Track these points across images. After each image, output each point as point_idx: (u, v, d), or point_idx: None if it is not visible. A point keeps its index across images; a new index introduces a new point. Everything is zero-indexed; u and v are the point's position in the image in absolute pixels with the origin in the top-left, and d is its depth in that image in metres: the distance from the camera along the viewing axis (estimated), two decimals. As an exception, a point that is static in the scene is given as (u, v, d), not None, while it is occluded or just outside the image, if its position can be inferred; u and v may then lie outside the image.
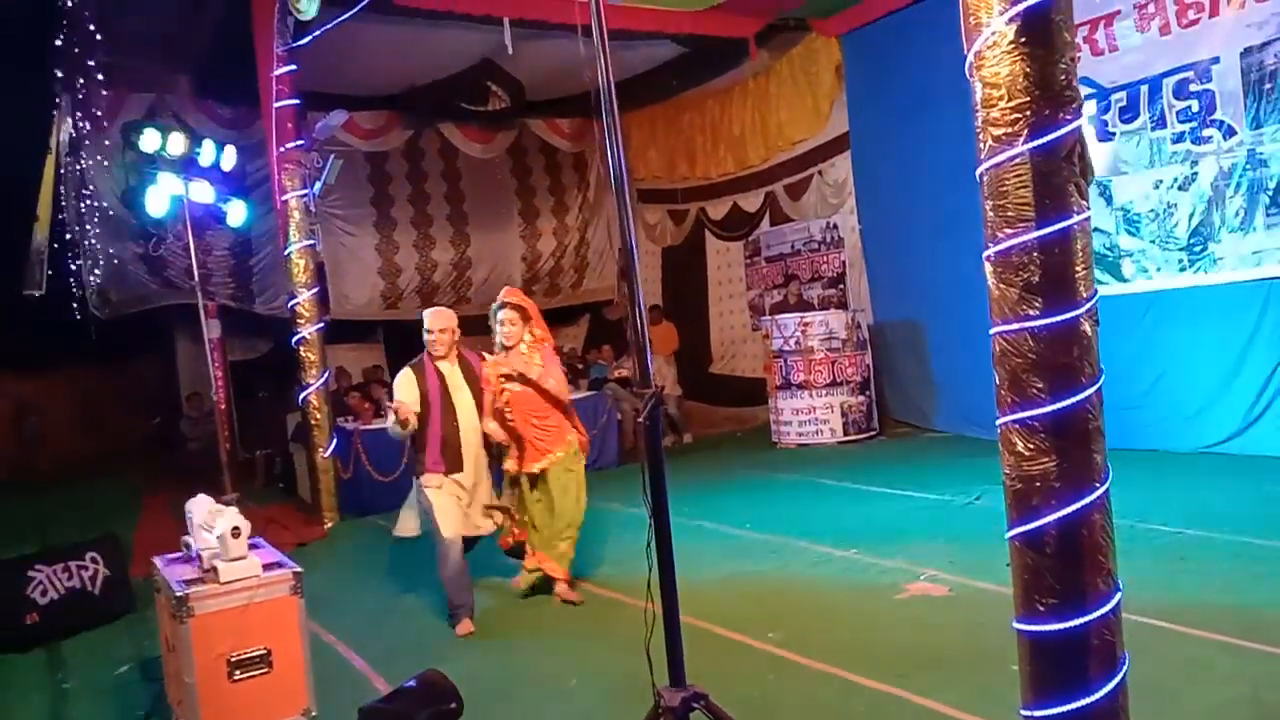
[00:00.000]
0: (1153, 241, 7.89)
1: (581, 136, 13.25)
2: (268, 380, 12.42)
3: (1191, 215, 7.60)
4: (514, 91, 11.35)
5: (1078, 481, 2.31)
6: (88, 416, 14.56)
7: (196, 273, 8.21)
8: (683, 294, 13.53)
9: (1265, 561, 4.87)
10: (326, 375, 8.82)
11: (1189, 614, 4.20)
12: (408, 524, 6.76)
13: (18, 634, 5.66)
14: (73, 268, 11.13)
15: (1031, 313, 2.29)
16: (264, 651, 3.86)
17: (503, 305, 5.37)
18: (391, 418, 5.19)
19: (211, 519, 4.04)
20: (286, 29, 8.31)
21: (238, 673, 3.80)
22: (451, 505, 5.30)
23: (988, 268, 2.37)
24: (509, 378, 5.31)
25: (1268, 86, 7.01)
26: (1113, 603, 2.34)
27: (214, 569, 3.89)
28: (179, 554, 4.32)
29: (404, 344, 13.25)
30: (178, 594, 3.77)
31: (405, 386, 5.30)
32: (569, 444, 5.46)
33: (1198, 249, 7.60)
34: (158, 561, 4.29)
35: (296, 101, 8.62)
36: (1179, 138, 7.60)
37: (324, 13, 7.75)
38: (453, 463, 5.29)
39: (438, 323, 5.41)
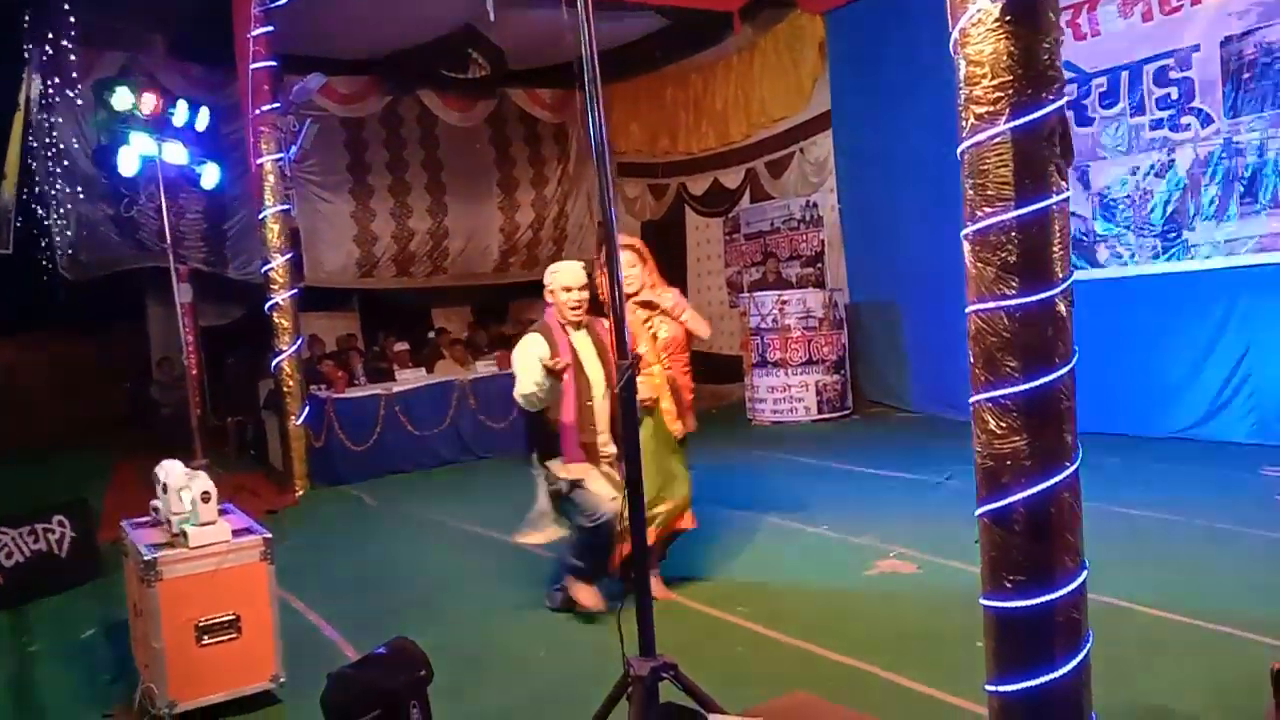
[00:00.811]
0: (1128, 227, 7.95)
1: (563, 108, 13.14)
2: (240, 346, 12.30)
3: (1167, 202, 7.66)
4: (495, 60, 11.20)
5: (1048, 460, 2.33)
6: (57, 381, 14.35)
7: (169, 235, 8.10)
8: (661, 269, 13.42)
9: (1227, 544, 4.97)
10: (300, 342, 8.75)
11: (1151, 594, 4.27)
12: (542, 528, 4.99)
13: (-19, 596, 5.62)
14: (45, 225, 10.95)
15: (1008, 292, 2.30)
16: (233, 617, 3.84)
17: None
18: (537, 373, 4.32)
19: (181, 483, 4.00)
20: (265, -13, 8.17)
21: (206, 638, 3.79)
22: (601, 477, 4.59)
23: (965, 246, 2.38)
24: (648, 323, 4.65)
25: (1246, 76, 7.05)
26: (1079, 580, 2.37)
27: (183, 533, 3.86)
28: (148, 518, 4.28)
29: (379, 312, 13.26)
30: (146, 558, 3.74)
31: (532, 353, 4.42)
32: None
33: (1172, 236, 7.67)
34: (126, 525, 4.25)
35: (273, 64, 8.48)
36: (1157, 124, 7.65)
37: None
38: (591, 454, 4.56)
39: (576, 278, 4.54)
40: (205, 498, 3.92)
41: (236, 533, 3.97)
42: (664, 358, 4.68)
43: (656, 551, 4.77)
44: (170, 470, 4.17)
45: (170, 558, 3.77)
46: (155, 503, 4.22)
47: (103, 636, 4.95)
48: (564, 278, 4.56)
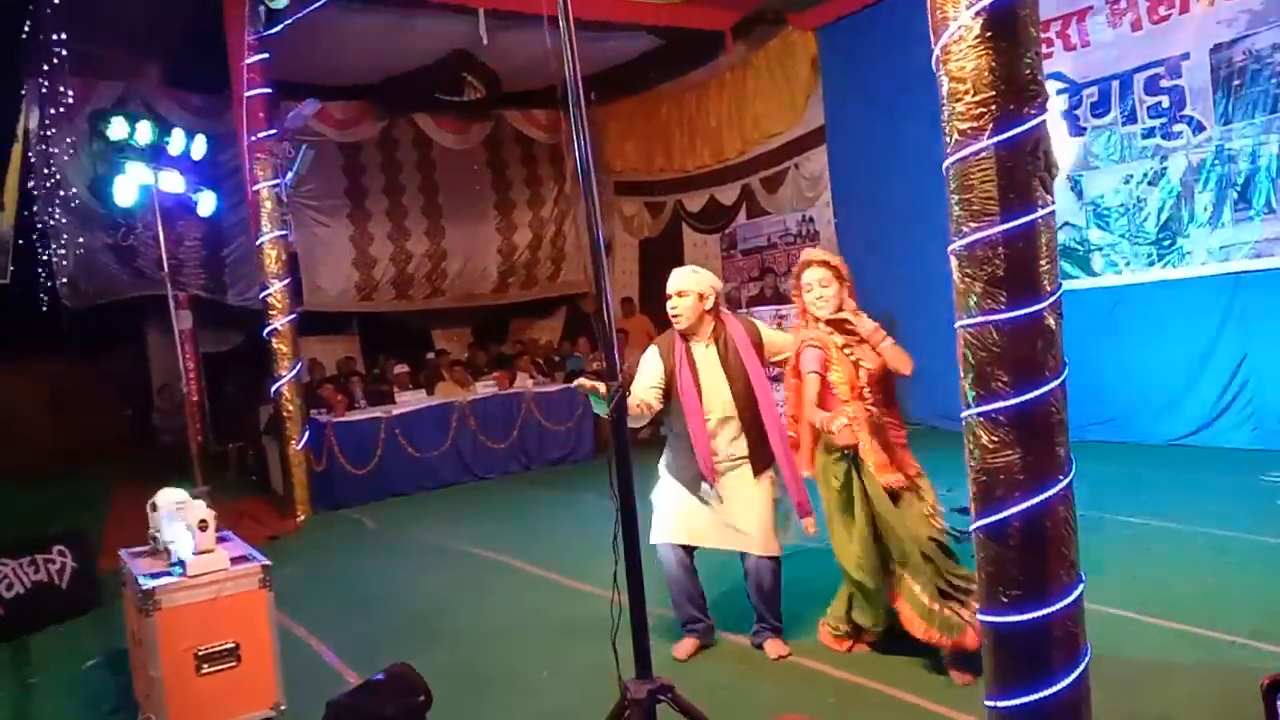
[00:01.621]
0: (1122, 236, 7.96)
1: (559, 128, 13.18)
2: (240, 372, 12.31)
3: (1161, 210, 7.67)
4: (490, 82, 11.26)
5: (1041, 474, 2.33)
6: (58, 409, 14.38)
7: (166, 263, 8.12)
8: (660, 286, 13.48)
9: (1230, 552, 4.94)
10: (299, 367, 8.75)
11: (1154, 604, 4.25)
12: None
13: (-18, 628, 5.61)
14: (43, 257, 10.99)
15: (995, 307, 2.31)
16: (232, 645, 3.83)
17: (808, 265, 4.04)
18: (638, 383, 4.12)
19: (179, 512, 4.00)
20: (258, 17, 8.21)
21: (205, 666, 3.77)
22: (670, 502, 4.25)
23: (952, 262, 2.39)
24: (850, 348, 3.95)
25: (1236, 83, 7.08)
26: (1075, 594, 2.37)
27: (181, 562, 3.85)
28: (146, 547, 4.28)
29: (379, 335, 13.27)
30: (144, 587, 3.73)
31: (646, 363, 4.23)
32: (907, 449, 4.06)
33: (1166, 243, 7.68)
34: (124, 555, 4.25)
35: (268, 90, 8.52)
36: (1149, 133, 7.67)
37: (296, 0, 7.68)
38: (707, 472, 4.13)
39: (675, 283, 4.20)
40: (203, 525, 3.91)
41: (235, 560, 3.96)
42: (865, 393, 3.93)
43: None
44: (168, 499, 4.17)
45: (168, 587, 3.76)
46: (154, 531, 4.22)
47: (104, 667, 4.93)
48: (669, 284, 4.21)
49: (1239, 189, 7.17)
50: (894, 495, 3.85)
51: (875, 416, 3.90)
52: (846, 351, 3.95)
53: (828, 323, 4.00)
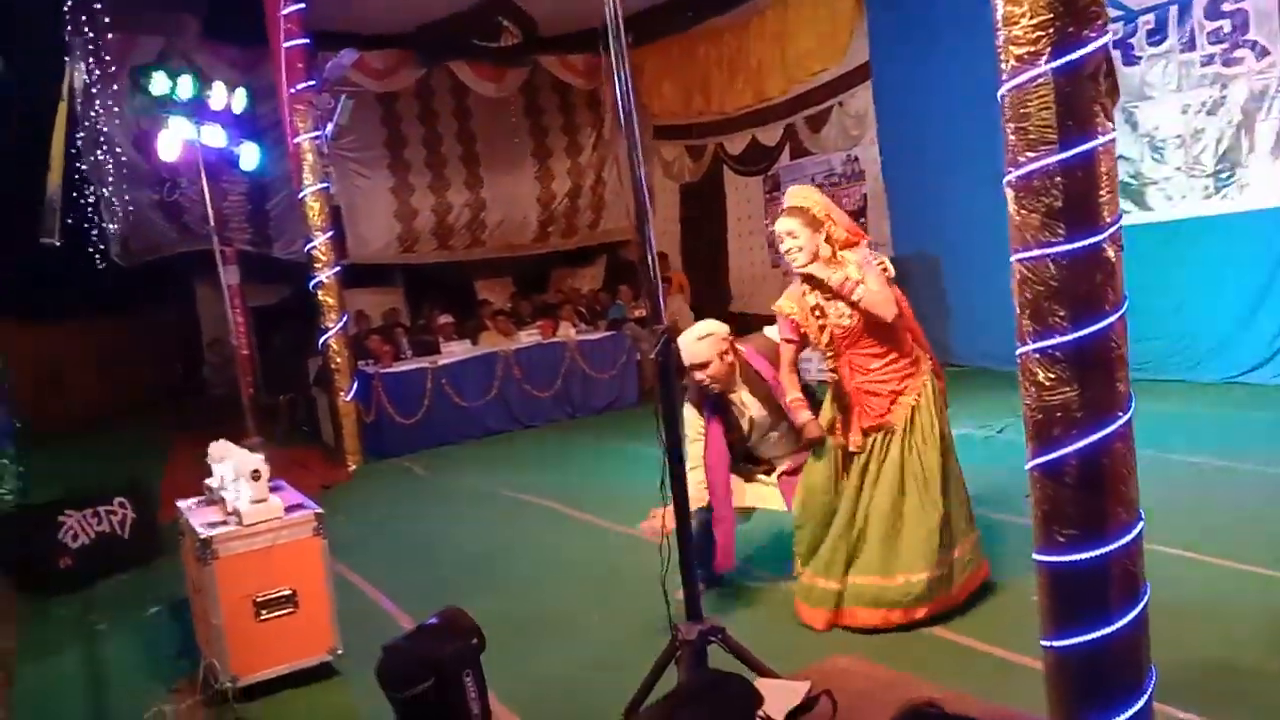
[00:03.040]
0: (1179, 168, 7.70)
1: (596, 74, 12.98)
2: (288, 325, 12.46)
3: (1219, 140, 7.40)
4: (527, 27, 11.13)
5: (1099, 411, 2.26)
6: (112, 366, 14.69)
7: (212, 218, 8.19)
8: (701, 231, 13.40)
9: (1291, 491, 4.83)
10: (345, 319, 8.83)
11: (1214, 543, 4.17)
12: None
13: (53, 578, 5.79)
14: (92, 216, 11.14)
15: (1053, 239, 2.23)
16: (289, 592, 3.91)
17: (780, 213, 3.88)
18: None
19: (233, 462, 4.07)
20: (294, -34, 8.17)
21: (264, 613, 3.86)
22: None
23: (1008, 193, 2.30)
24: (819, 308, 3.82)
25: (1304, 3, 6.76)
26: (1134, 532, 2.31)
27: (237, 512, 3.93)
28: (203, 498, 4.36)
29: (423, 286, 13.34)
30: (202, 537, 3.81)
31: (691, 429, 4.15)
32: (923, 372, 3.89)
33: (1225, 175, 7.42)
34: (182, 505, 4.34)
35: (306, 41, 8.50)
36: (1209, 60, 7.37)
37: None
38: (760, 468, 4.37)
39: (695, 357, 4.06)
40: (256, 476, 3.98)
41: (289, 509, 4.03)
42: (829, 357, 3.90)
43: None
44: (221, 450, 4.24)
45: (225, 535, 3.84)
46: (209, 482, 4.30)
47: (167, 614, 5.08)
48: (687, 358, 4.07)
49: (1304, 116, 6.89)
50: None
51: (842, 382, 3.83)
52: (816, 314, 3.82)
53: (804, 278, 3.83)
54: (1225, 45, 7.24)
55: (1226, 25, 7.21)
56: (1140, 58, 7.75)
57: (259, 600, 3.85)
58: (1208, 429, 6.22)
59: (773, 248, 12.38)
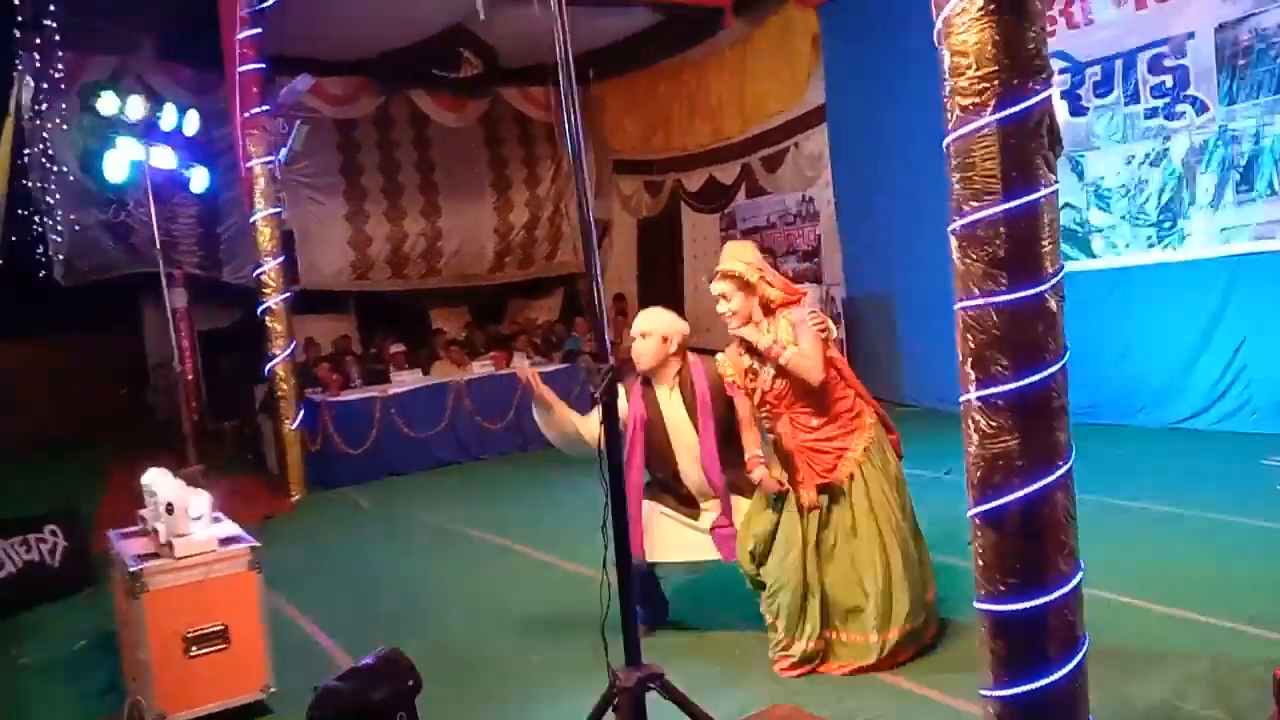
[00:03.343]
0: (1123, 217, 7.89)
1: (556, 106, 13.06)
2: (236, 350, 12.23)
3: (1162, 191, 7.60)
4: (488, 58, 11.15)
5: (1040, 460, 2.28)
6: (56, 386, 14.31)
7: (159, 240, 8.05)
8: (659, 266, 13.44)
9: (1229, 537, 4.91)
10: (293, 346, 8.69)
11: (1153, 590, 4.22)
12: None
13: (-27, 608, 5.58)
14: (38, 234, 10.89)
15: (996, 288, 2.25)
16: (221, 628, 3.79)
17: (712, 278, 3.90)
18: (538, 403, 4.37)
19: (169, 492, 3.95)
20: (251, -10, 8.11)
21: (194, 649, 3.74)
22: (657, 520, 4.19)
23: (952, 242, 2.33)
24: (752, 370, 3.83)
25: (1241, 63, 6.99)
26: (1074, 582, 2.33)
27: (170, 544, 3.81)
28: (136, 528, 4.23)
29: (376, 314, 13.19)
30: (131, 569, 3.69)
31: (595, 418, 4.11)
32: (866, 426, 3.83)
33: (1167, 225, 7.61)
34: (112, 536, 4.21)
35: (262, 66, 8.43)
36: (1152, 113, 7.58)
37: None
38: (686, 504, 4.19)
39: (639, 324, 4.17)
40: (193, 506, 3.87)
41: (224, 541, 3.92)
42: (765, 418, 3.88)
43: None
44: (157, 478, 4.12)
45: (156, 568, 3.72)
46: (143, 512, 4.18)
47: (95, 648, 4.90)
48: (634, 325, 4.19)
49: (1241, 170, 7.09)
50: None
51: (780, 441, 3.82)
52: (749, 376, 3.84)
53: (738, 340, 3.87)
54: (1167, 99, 7.45)
55: (1169, 80, 7.43)
56: (1087, 108, 7.94)
57: (189, 635, 3.73)
58: (1150, 474, 6.31)
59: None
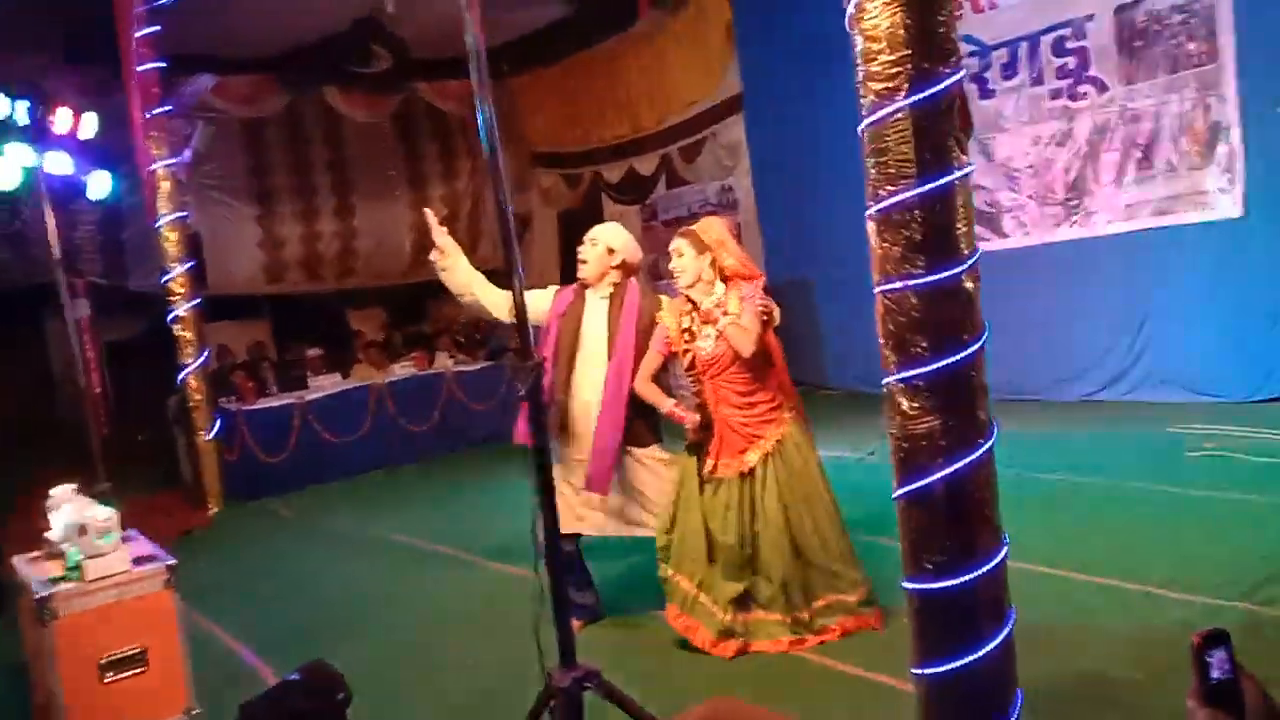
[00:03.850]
0: (1031, 197, 8.09)
1: (471, 100, 12.87)
2: (145, 360, 11.81)
3: (1068, 170, 7.81)
4: (399, 51, 10.93)
5: (963, 439, 2.31)
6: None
7: (58, 249, 7.71)
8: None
9: (1142, 504, 5.07)
10: (205, 354, 8.42)
11: (1071, 558, 4.33)
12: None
13: None
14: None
15: (914, 271, 2.27)
16: (139, 651, 3.63)
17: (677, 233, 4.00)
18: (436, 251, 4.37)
19: (77, 512, 3.78)
20: (149, -13, 7.81)
21: (110, 674, 3.57)
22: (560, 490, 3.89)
23: (870, 226, 2.34)
24: (692, 331, 3.89)
25: (1138, 44, 7.21)
26: (999, 558, 2.36)
27: (80, 566, 3.64)
28: (42, 551, 4.04)
29: (291, 319, 12.87)
30: (39, 595, 3.52)
31: (534, 297, 4.06)
32: (784, 420, 3.89)
33: (1074, 204, 7.83)
34: (18, 561, 4.00)
35: (162, 65, 8.13)
36: (1056, 94, 7.78)
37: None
38: (558, 430, 4.10)
39: (592, 232, 4.28)
40: (102, 526, 3.71)
41: (138, 561, 3.76)
42: (693, 380, 3.94)
43: None
44: (63, 498, 3.94)
45: (66, 593, 3.55)
46: (49, 534, 3.99)
47: (4, 677, 4.68)
48: (593, 230, 4.30)
49: (1143, 149, 7.32)
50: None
51: (705, 404, 3.88)
52: (686, 337, 3.90)
53: (686, 299, 3.94)
54: (1070, 80, 7.66)
55: (1071, 61, 7.63)
56: (995, 91, 8.12)
57: (104, 661, 3.56)
58: (1064, 446, 6.50)
59: (652, 274, 12.49)
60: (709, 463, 3.88)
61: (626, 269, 4.20)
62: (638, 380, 4.02)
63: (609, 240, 4.20)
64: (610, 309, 4.13)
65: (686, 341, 3.91)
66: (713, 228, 3.96)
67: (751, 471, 3.83)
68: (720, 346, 3.81)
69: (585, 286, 4.21)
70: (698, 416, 3.91)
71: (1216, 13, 6.78)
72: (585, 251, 4.20)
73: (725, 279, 3.87)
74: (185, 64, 9.14)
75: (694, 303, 3.89)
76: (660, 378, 4.11)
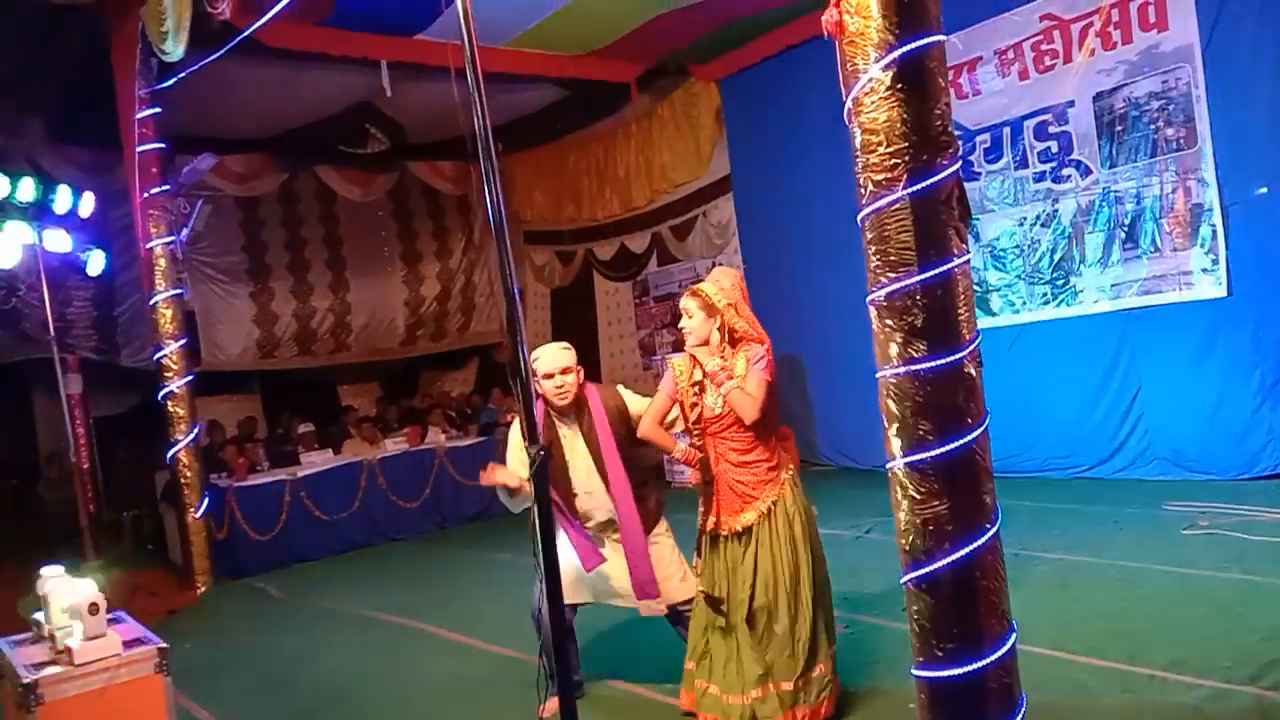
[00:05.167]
0: (1018, 276, 8.21)
1: (465, 179, 13.05)
2: (135, 436, 11.74)
3: (1054, 250, 7.94)
4: (394, 134, 11.15)
5: (969, 523, 2.31)
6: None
7: (53, 325, 7.73)
8: (573, 334, 13.41)
9: (1142, 584, 5.04)
10: (197, 431, 8.38)
11: (1073, 641, 4.29)
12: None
13: None
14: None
15: (916, 356, 2.30)
16: (126, 737, 3.56)
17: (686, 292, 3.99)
18: (503, 489, 4.15)
19: (64, 594, 3.72)
20: (150, 70, 7.95)
21: (96, 763, 3.49)
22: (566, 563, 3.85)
23: (871, 312, 2.38)
24: (701, 385, 3.87)
25: (1119, 129, 7.41)
26: (1009, 644, 2.35)
27: (68, 650, 3.57)
28: (28, 634, 3.97)
29: (282, 394, 12.84)
30: (25, 680, 3.44)
31: (517, 451, 4.15)
32: (781, 482, 3.84)
33: (1060, 283, 7.94)
34: (2, 644, 3.93)
35: (162, 145, 8.24)
36: (1040, 177, 7.96)
37: (190, 53, 7.43)
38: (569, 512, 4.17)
39: (559, 361, 4.15)
40: (93, 609, 3.65)
41: (128, 644, 3.70)
42: (695, 435, 3.91)
43: None
44: (52, 579, 3.88)
45: (53, 678, 3.48)
46: (37, 615, 3.92)
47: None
48: (543, 364, 4.11)
49: (1126, 229, 7.47)
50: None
51: (707, 461, 3.87)
52: (695, 389, 3.87)
53: (692, 358, 3.92)
54: (1054, 164, 7.84)
55: (1054, 145, 7.82)
56: (980, 174, 8.30)
57: (91, 749, 3.48)
58: (1059, 525, 6.47)
59: (644, 350, 12.56)
60: (710, 520, 3.87)
61: (579, 376, 4.20)
62: (646, 424, 4.00)
63: (575, 364, 4.19)
64: (582, 428, 4.15)
65: (695, 394, 3.88)
66: (724, 282, 3.97)
67: (749, 530, 3.78)
68: (725, 406, 3.79)
69: (557, 413, 4.19)
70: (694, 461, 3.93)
71: (1193, 99, 7.00)
72: (564, 382, 4.14)
73: (734, 341, 3.85)
74: (184, 144, 9.28)
75: (699, 363, 3.88)
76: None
